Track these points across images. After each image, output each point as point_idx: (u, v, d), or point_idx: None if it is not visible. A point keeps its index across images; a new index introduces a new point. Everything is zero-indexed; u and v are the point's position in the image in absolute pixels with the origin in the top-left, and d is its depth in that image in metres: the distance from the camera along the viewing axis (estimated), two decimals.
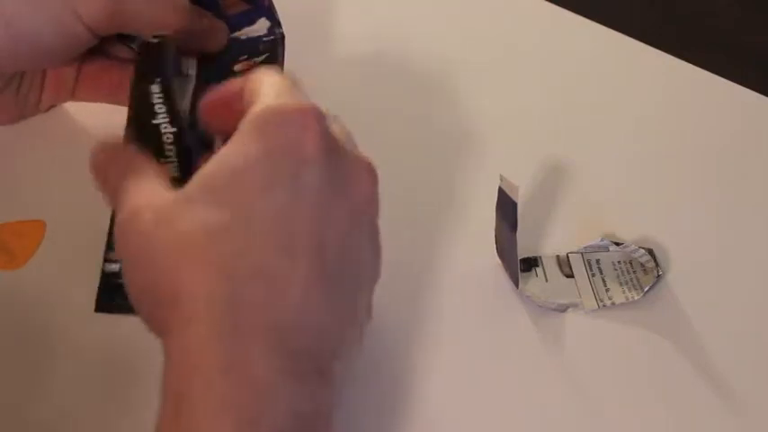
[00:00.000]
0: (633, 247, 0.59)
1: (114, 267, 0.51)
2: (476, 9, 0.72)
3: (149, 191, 0.46)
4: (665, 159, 0.64)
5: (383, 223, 0.60)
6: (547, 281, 0.58)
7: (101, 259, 0.53)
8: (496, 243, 0.58)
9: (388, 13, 0.72)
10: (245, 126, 0.46)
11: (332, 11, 0.72)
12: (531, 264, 0.59)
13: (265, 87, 0.47)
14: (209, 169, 0.45)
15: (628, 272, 0.59)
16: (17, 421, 0.52)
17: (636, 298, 0.57)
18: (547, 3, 0.73)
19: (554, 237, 0.60)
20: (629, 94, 0.68)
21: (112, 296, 0.51)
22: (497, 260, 0.58)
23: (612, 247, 0.59)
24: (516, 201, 0.54)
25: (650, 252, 0.59)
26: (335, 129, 0.48)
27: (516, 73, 0.69)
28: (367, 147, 0.64)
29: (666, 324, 0.57)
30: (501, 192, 0.56)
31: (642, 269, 0.59)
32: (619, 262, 0.59)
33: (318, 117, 0.46)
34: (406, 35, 0.71)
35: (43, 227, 0.58)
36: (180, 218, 0.44)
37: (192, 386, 0.41)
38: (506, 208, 0.55)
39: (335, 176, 0.46)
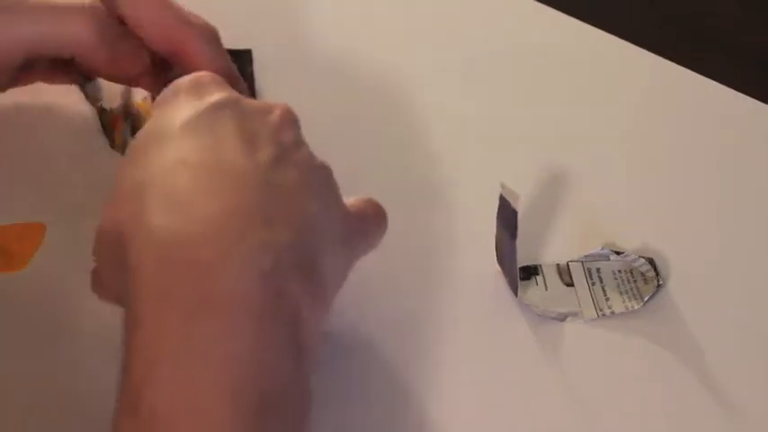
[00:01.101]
0: (633, 256, 0.59)
1: None
2: (475, 14, 0.72)
3: None
4: (666, 168, 0.64)
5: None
6: (546, 289, 0.58)
7: None
8: (497, 250, 0.58)
9: (384, 16, 0.72)
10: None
11: (329, 14, 0.72)
12: (530, 272, 0.59)
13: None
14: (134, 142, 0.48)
15: (628, 281, 0.59)
16: (16, 421, 0.52)
17: (636, 307, 0.57)
18: (545, 6, 0.72)
19: (554, 245, 0.60)
20: (630, 101, 0.68)
21: None
22: (497, 268, 0.58)
23: (613, 256, 0.59)
24: (517, 209, 0.54)
25: (651, 261, 0.59)
26: None
27: (517, 80, 0.69)
28: (368, 153, 0.64)
29: (666, 334, 0.57)
30: (502, 199, 0.56)
31: (642, 278, 0.59)
32: (619, 271, 0.59)
33: (212, 75, 0.50)
34: (403, 39, 0.70)
35: (43, 230, 0.58)
36: (114, 193, 0.47)
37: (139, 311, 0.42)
38: (507, 216, 0.55)
39: (244, 109, 0.48)
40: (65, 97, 0.62)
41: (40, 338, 0.55)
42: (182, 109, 0.48)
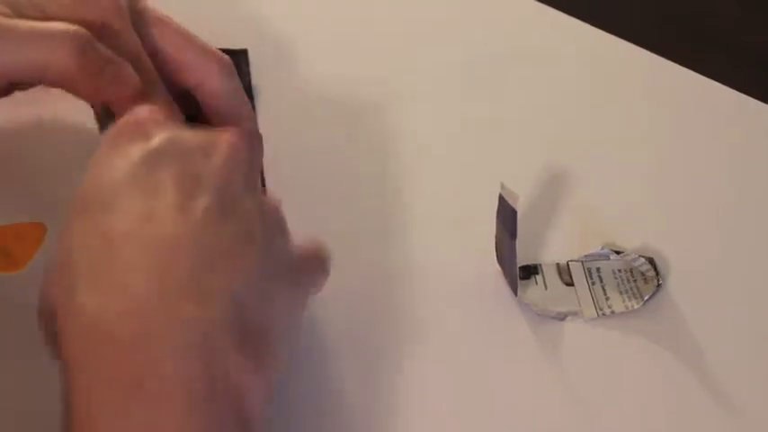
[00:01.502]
0: (634, 255, 0.59)
1: None
2: (475, 15, 0.72)
3: None
4: (667, 167, 0.65)
5: (384, 229, 0.60)
6: (546, 289, 0.58)
7: None
8: (496, 250, 0.58)
9: (383, 17, 0.72)
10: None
11: (326, 14, 0.72)
12: (530, 271, 0.59)
13: None
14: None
15: (628, 280, 0.59)
16: (15, 421, 0.52)
17: (636, 307, 0.57)
18: (544, 6, 0.72)
19: (554, 245, 0.60)
20: (630, 101, 0.68)
21: None
22: (497, 267, 0.58)
23: (613, 256, 0.59)
24: (516, 208, 0.54)
25: (651, 261, 0.59)
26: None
27: (516, 79, 0.69)
28: (366, 152, 0.64)
29: (666, 333, 0.57)
30: (501, 199, 0.56)
31: (642, 278, 0.59)
32: (619, 270, 0.59)
33: (151, 111, 0.48)
34: (405, 38, 0.70)
35: (43, 230, 0.58)
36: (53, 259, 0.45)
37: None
38: (506, 215, 0.55)
39: (185, 152, 0.46)
40: (64, 97, 0.62)
41: (39, 339, 0.55)
42: (118, 163, 0.45)
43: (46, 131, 0.63)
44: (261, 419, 0.43)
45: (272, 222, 0.47)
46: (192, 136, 0.47)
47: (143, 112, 0.48)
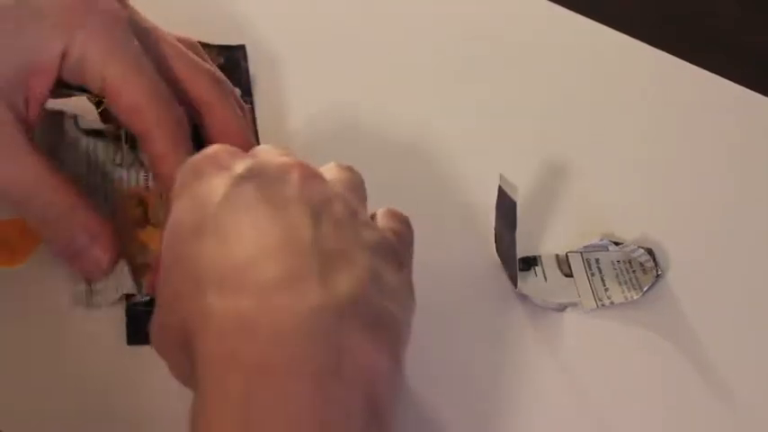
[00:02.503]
0: (632, 246, 0.59)
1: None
2: (476, 10, 0.72)
3: None
4: (665, 159, 0.65)
5: None
6: (546, 280, 0.58)
7: None
8: (496, 242, 0.58)
9: (383, 12, 0.72)
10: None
11: (324, 8, 0.72)
12: (530, 263, 0.59)
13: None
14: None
15: (627, 271, 0.59)
16: (16, 415, 0.52)
17: (635, 298, 0.57)
18: (547, 2, 0.73)
19: (553, 236, 0.60)
20: (629, 93, 0.68)
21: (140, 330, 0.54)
22: (496, 259, 0.59)
23: (612, 247, 0.59)
24: (516, 200, 0.54)
25: (650, 252, 0.59)
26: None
27: (516, 71, 0.69)
28: (366, 146, 0.64)
29: (665, 324, 0.57)
30: (500, 191, 0.56)
31: (641, 269, 0.59)
32: (618, 261, 0.59)
33: (225, 148, 0.48)
34: (405, 33, 0.71)
35: None
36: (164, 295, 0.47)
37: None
38: (506, 207, 0.56)
39: (267, 177, 0.46)
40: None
41: (39, 333, 0.55)
42: (211, 189, 0.46)
43: None
44: (394, 416, 0.43)
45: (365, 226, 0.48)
46: (265, 161, 0.48)
47: (215, 148, 0.49)
